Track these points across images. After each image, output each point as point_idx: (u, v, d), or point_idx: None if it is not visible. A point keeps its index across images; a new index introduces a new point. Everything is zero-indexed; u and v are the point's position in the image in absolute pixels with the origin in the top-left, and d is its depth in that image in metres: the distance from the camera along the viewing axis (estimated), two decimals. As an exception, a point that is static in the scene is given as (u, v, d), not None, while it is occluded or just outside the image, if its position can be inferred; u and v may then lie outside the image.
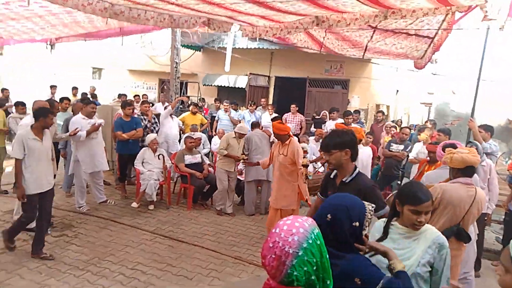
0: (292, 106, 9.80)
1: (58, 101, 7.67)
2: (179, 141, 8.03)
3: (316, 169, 6.83)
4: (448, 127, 8.36)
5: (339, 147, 2.60)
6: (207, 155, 8.12)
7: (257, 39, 10.10)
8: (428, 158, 5.20)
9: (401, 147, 7.03)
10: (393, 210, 2.21)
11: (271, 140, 6.56)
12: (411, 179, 6.06)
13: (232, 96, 12.76)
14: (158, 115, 7.92)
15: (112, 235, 5.23)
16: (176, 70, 10.53)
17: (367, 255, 1.85)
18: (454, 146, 3.58)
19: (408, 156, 6.91)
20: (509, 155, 14.03)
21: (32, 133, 4.37)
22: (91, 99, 10.17)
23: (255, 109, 10.00)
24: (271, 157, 5.58)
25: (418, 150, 6.63)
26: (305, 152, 6.96)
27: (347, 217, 1.72)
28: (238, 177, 6.89)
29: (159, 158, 6.65)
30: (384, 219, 2.27)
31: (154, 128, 7.50)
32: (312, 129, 9.78)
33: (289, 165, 5.10)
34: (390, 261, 1.86)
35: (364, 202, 1.82)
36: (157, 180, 6.44)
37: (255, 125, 7.09)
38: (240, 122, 9.33)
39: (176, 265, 4.50)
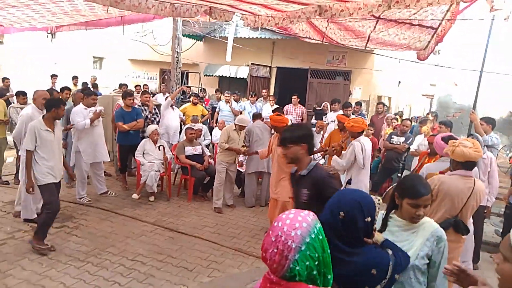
0: (293, 97, 9.75)
1: (59, 90, 7.67)
2: (180, 132, 8.01)
3: (316, 161, 6.82)
4: (450, 119, 8.32)
5: (296, 142, 2.64)
6: (207, 146, 8.11)
7: (259, 28, 9.99)
8: (429, 150, 5.19)
9: (402, 139, 7.02)
10: (392, 203, 2.21)
11: (272, 132, 6.54)
12: (411, 171, 6.06)
13: (233, 86, 12.71)
14: (159, 106, 7.89)
15: (113, 227, 5.25)
16: (177, 60, 10.47)
17: None
18: (451, 139, 3.57)
19: (409, 148, 6.90)
20: (510, 148, 14.00)
21: (44, 124, 4.34)
22: (92, 89, 10.16)
23: (256, 100, 9.96)
24: (269, 148, 5.57)
25: (419, 142, 6.62)
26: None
27: (360, 213, 1.72)
28: (239, 168, 6.89)
29: (159, 149, 6.64)
30: (383, 211, 2.27)
31: (155, 119, 7.48)
32: (313, 120, 9.75)
33: None
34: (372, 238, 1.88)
35: (371, 195, 1.82)
36: (157, 171, 6.44)
37: (257, 116, 7.06)
38: (241, 113, 9.31)
39: (177, 256, 4.52)
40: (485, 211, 4.83)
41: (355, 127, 5.03)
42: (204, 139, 8.02)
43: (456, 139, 3.63)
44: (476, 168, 3.88)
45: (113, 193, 6.55)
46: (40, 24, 7.89)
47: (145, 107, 7.26)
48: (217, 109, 9.66)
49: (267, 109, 9.44)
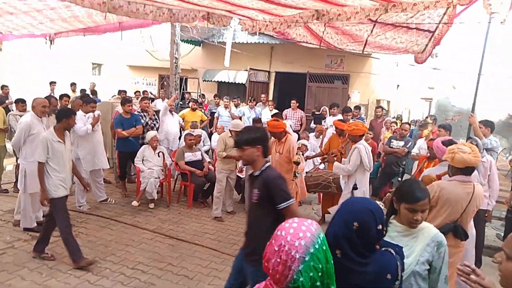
0: (292, 102, 9.77)
1: (58, 97, 7.66)
2: (180, 138, 8.00)
3: (316, 166, 6.81)
4: (449, 122, 8.33)
5: (251, 143, 2.67)
6: (207, 152, 8.10)
7: (257, 33, 10.05)
8: (428, 154, 5.19)
9: (402, 143, 7.01)
10: (391, 208, 2.20)
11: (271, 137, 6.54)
12: (411, 175, 6.05)
13: (232, 91, 12.72)
14: (158, 112, 7.88)
15: (113, 234, 5.23)
16: (176, 66, 10.48)
17: None
18: (451, 143, 3.57)
19: (409, 152, 6.90)
20: (510, 151, 14.01)
21: (55, 136, 4.24)
22: (91, 95, 10.16)
23: (255, 105, 9.97)
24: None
25: (420, 146, 6.62)
26: (305, 149, 6.98)
27: (374, 221, 1.69)
28: (238, 174, 6.88)
29: (159, 156, 6.63)
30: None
31: (155, 125, 7.47)
32: (312, 125, 9.76)
33: (285, 164, 5.08)
34: None
35: (376, 201, 1.82)
36: (157, 178, 6.42)
37: (257, 121, 7.05)
38: (240, 119, 9.31)
39: (177, 264, 4.50)
40: (486, 215, 4.82)
41: (356, 130, 5.04)
42: (204, 145, 8.00)
43: (456, 142, 3.62)
44: (476, 172, 3.88)
45: (113, 201, 6.52)
46: (38, 30, 7.91)
47: (145, 113, 7.25)
48: (216, 115, 9.66)
49: (266, 114, 9.45)
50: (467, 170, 3.11)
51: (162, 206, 6.53)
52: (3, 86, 10.39)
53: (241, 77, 12.57)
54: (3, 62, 13.29)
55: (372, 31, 6.82)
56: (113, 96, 10.99)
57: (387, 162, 7.15)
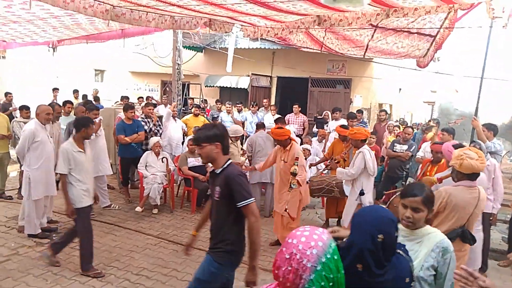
0: (295, 106, 9.77)
1: (61, 104, 7.70)
2: (182, 143, 8.02)
3: (320, 171, 6.81)
4: (452, 126, 8.32)
5: (209, 141, 2.65)
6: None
7: (259, 39, 10.09)
8: (432, 158, 5.18)
9: (405, 147, 7.00)
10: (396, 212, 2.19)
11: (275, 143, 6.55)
12: (415, 179, 6.04)
13: (234, 97, 12.76)
14: (161, 118, 7.91)
15: (117, 240, 5.23)
16: (178, 72, 10.52)
17: None
18: (462, 147, 3.58)
19: (412, 155, 6.88)
20: (514, 153, 13.96)
21: (76, 146, 4.21)
22: (93, 101, 10.21)
23: (257, 110, 9.98)
24: (267, 160, 5.54)
25: (424, 149, 6.59)
26: (308, 153, 6.98)
27: (395, 230, 1.67)
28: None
29: (162, 161, 6.64)
30: None
31: (158, 131, 7.49)
32: (315, 129, 9.76)
33: (290, 172, 5.08)
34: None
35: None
36: (160, 183, 6.43)
37: (260, 126, 7.03)
38: (243, 124, 9.33)
39: (181, 270, 4.49)
40: (491, 218, 4.80)
41: (358, 135, 5.03)
42: (207, 150, 8.00)
43: (464, 146, 3.65)
44: (484, 176, 3.90)
45: (116, 206, 6.53)
46: (41, 38, 7.96)
47: (149, 120, 7.27)
48: (218, 120, 9.66)
49: (268, 118, 9.45)
50: (473, 175, 3.14)
51: (165, 212, 6.53)
52: (6, 93, 10.45)
53: (243, 82, 12.60)
54: (6, 69, 13.38)
55: (372, 36, 6.84)
56: (115, 102, 11.04)
57: (391, 166, 7.13)
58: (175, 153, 7.69)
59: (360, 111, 9.40)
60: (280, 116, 8.59)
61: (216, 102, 11.20)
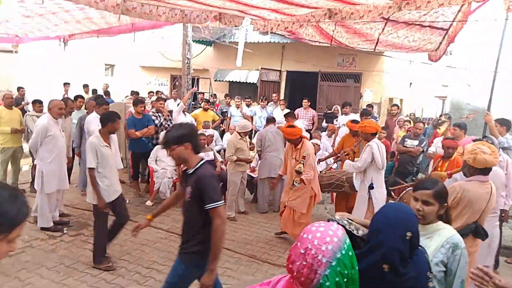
0: (304, 101, 9.73)
1: (73, 99, 7.78)
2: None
3: (329, 165, 6.78)
4: (464, 121, 8.21)
5: (178, 142, 2.61)
6: (219, 152, 8.13)
7: (269, 33, 10.03)
8: (443, 153, 5.13)
9: (416, 142, 6.91)
10: None
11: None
12: (426, 175, 5.99)
13: (243, 91, 12.73)
14: (171, 112, 7.93)
15: (128, 234, 5.24)
16: (188, 66, 10.53)
17: None
18: None
19: (423, 151, 6.82)
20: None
21: (102, 140, 4.23)
22: (103, 96, 10.28)
23: (267, 104, 9.96)
24: (284, 159, 5.54)
25: (436, 144, 6.52)
26: (318, 148, 6.96)
27: (418, 225, 1.69)
28: (251, 174, 6.89)
29: (172, 156, 6.66)
30: None
31: (169, 125, 7.51)
32: (324, 124, 9.71)
33: (295, 170, 5.08)
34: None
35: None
36: (170, 178, 6.47)
37: (270, 120, 7.01)
38: (252, 118, 9.32)
39: (191, 263, 4.53)
40: (503, 214, 4.74)
41: (368, 128, 5.00)
42: (216, 145, 8.03)
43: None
44: (501, 172, 3.86)
45: (127, 201, 6.57)
46: (53, 32, 8.04)
47: (160, 114, 7.30)
48: (228, 115, 9.67)
49: (278, 113, 9.42)
50: (486, 170, 3.13)
51: (175, 206, 6.54)
52: (19, 88, 10.58)
53: (253, 77, 12.57)
54: (19, 64, 13.52)
55: (383, 29, 6.75)
56: (126, 97, 11.11)
57: (401, 162, 7.05)
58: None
59: (370, 106, 9.32)
60: (289, 110, 8.57)
61: (225, 97, 11.20)
